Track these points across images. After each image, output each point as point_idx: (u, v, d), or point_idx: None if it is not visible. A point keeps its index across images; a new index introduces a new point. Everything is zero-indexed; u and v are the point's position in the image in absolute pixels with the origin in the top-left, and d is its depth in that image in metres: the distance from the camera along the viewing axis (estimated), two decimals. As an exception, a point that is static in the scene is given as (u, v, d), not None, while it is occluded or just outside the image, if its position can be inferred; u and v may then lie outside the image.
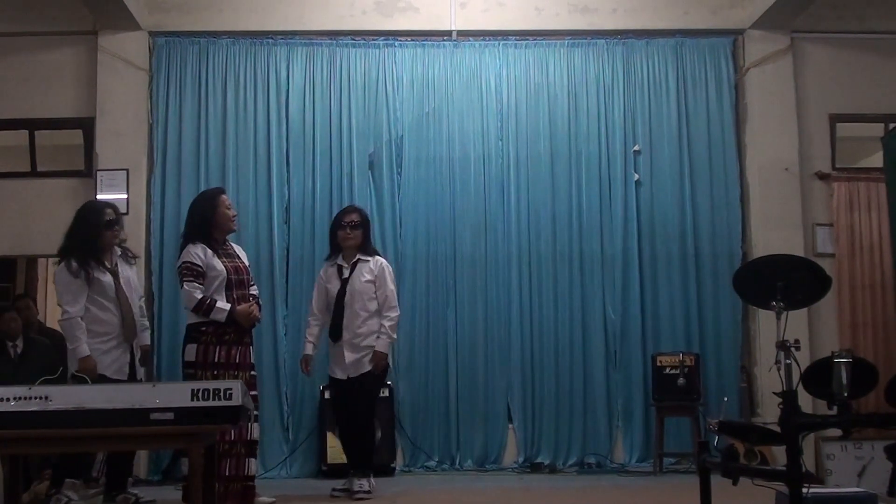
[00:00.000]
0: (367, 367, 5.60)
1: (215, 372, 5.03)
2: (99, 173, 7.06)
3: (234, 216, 5.42)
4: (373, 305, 5.66)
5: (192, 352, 5.11)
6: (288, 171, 7.27)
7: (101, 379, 4.89)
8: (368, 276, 5.67)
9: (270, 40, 7.39)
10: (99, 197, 6.94)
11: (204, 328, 5.12)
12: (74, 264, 5.06)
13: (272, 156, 7.25)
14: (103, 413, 3.93)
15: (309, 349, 5.79)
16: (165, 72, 7.28)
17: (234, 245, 5.47)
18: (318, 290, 5.84)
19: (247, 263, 5.44)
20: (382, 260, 5.84)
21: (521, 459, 7.09)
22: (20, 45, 7.28)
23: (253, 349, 5.36)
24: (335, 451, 6.39)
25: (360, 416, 5.62)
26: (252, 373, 5.28)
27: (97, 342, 5.06)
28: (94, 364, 4.99)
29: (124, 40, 7.18)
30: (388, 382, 6.65)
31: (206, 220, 5.25)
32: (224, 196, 5.41)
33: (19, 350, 6.37)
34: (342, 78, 7.38)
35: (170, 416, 3.91)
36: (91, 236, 5.16)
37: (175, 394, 3.98)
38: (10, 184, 7.19)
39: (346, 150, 7.30)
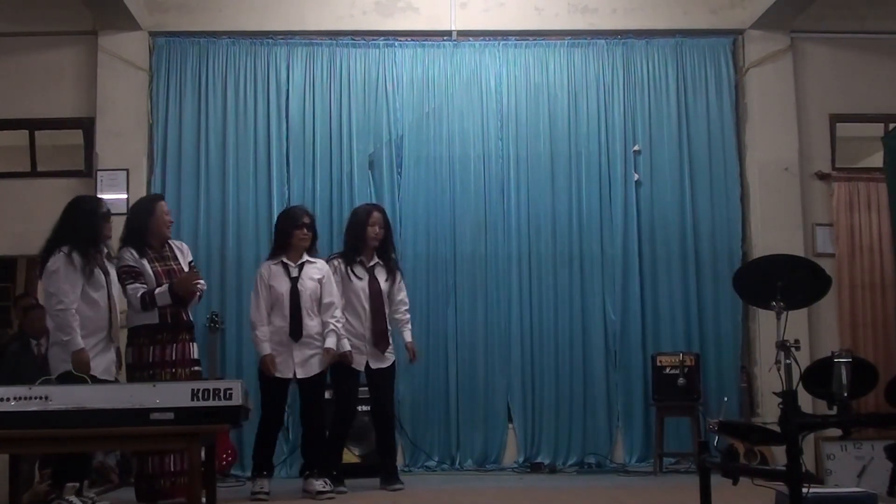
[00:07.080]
0: (318, 367, 5.67)
1: (150, 372, 5.16)
2: (99, 173, 7.06)
3: (170, 223, 5.47)
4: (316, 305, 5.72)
5: (129, 355, 5.26)
6: (288, 171, 7.27)
7: (90, 378, 4.73)
8: (317, 276, 5.72)
9: (270, 40, 7.39)
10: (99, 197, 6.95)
11: (138, 331, 5.24)
12: (77, 255, 4.89)
13: (272, 156, 7.25)
14: (103, 413, 3.94)
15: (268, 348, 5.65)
16: (165, 72, 7.28)
17: (175, 245, 5.50)
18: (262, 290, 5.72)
19: (187, 262, 5.45)
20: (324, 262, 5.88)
21: (521, 459, 7.09)
22: (20, 45, 7.27)
23: (195, 344, 5.37)
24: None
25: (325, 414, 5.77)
26: (195, 368, 5.33)
27: (86, 340, 4.88)
28: (88, 358, 4.84)
29: (124, 40, 7.17)
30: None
31: (143, 227, 5.34)
32: (162, 202, 5.50)
33: (44, 349, 6.26)
34: (342, 78, 7.38)
35: (170, 416, 3.92)
36: (91, 227, 5.01)
37: (175, 394, 3.99)
38: (10, 184, 7.19)
39: (346, 150, 7.30)
